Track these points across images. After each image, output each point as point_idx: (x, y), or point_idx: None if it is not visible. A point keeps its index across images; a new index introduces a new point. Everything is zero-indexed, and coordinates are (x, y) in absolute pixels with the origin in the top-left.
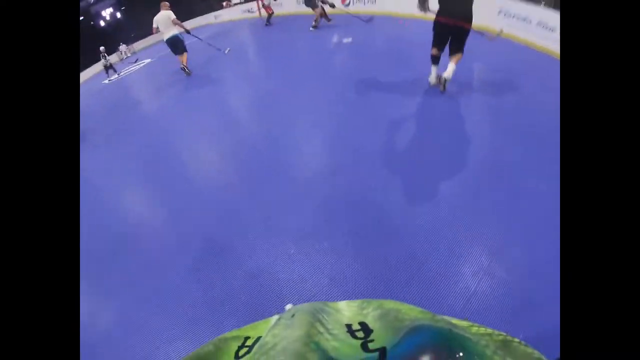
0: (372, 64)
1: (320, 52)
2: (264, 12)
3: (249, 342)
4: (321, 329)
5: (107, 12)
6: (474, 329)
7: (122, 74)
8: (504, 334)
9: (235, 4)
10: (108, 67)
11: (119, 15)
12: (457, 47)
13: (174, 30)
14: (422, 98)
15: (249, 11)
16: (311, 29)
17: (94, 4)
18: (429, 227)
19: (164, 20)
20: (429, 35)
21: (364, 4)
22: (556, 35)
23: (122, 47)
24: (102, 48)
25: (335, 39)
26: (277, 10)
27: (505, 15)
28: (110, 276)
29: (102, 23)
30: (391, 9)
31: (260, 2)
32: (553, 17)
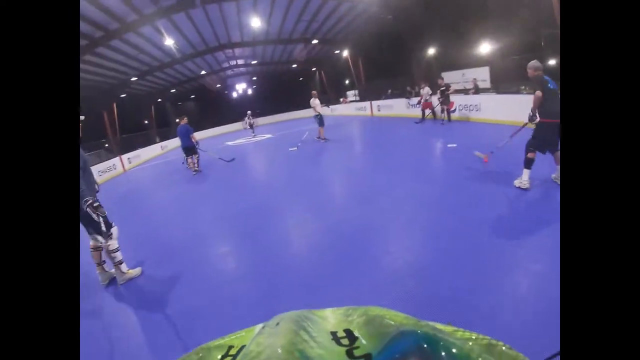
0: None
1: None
2: (375, 111)
3: (232, 352)
4: (306, 337)
5: (240, 87)
6: (459, 334)
7: (254, 138)
8: (488, 338)
9: (351, 101)
10: (252, 125)
11: (249, 91)
12: (557, 145)
13: (319, 111)
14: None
15: (361, 109)
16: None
17: (229, 76)
18: None
19: (314, 104)
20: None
21: (469, 110)
22: None
23: (251, 117)
24: (249, 112)
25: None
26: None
27: None
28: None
29: (234, 94)
30: (492, 116)
31: (420, 98)
32: None
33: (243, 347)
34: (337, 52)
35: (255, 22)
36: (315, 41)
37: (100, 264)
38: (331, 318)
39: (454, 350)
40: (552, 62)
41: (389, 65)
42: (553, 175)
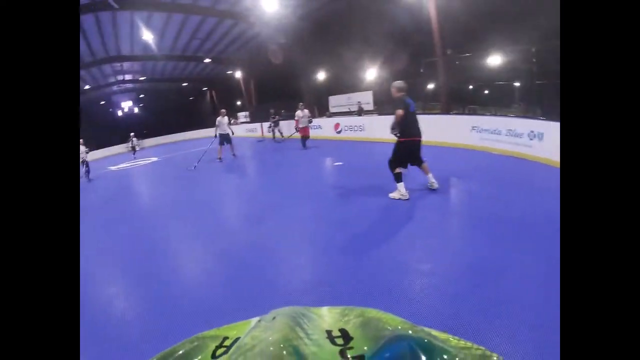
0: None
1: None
2: (266, 132)
3: (227, 343)
4: (301, 334)
5: (126, 105)
6: (453, 342)
7: (136, 162)
8: (483, 348)
9: (242, 122)
10: (134, 149)
11: (136, 110)
12: (421, 159)
13: (227, 130)
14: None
15: (251, 130)
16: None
17: (115, 92)
18: None
19: (224, 121)
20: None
21: (354, 130)
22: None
23: (134, 139)
24: (132, 134)
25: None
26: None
27: (478, 130)
28: None
29: (119, 113)
30: (377, 136)
31: (296, 124)
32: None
33: (238, 338)
34: (229, 72)
35: (148, 36)
36: (207, 60)
37: None
38: (327, 317)
39: (446, 358)
40: (430, 86)
41: (280, 88)
42: (427, 184)
